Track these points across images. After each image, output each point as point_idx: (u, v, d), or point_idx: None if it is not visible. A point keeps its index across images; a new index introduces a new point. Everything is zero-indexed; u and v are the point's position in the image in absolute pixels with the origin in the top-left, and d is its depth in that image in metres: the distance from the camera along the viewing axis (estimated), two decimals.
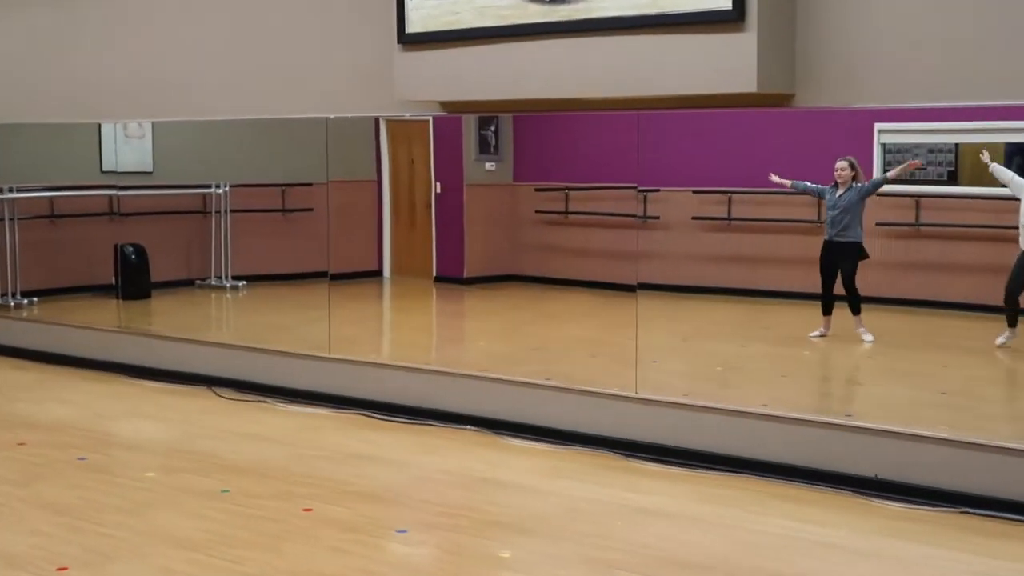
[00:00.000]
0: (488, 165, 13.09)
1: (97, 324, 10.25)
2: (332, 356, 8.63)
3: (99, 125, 11.18)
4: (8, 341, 10.57)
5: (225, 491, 6.38)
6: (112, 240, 11.29)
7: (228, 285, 12.56)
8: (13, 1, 10.22)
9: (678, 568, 5.23)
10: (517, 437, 7.48)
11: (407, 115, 8.53)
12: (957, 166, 10.82)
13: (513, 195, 13.28)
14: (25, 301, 11.33)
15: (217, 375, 9.12)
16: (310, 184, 11.72)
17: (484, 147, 13.05)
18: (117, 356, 9.77)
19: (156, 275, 11.80)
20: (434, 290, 13.07)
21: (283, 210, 12.84)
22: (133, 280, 11.25)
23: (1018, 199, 9.20)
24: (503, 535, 5.75)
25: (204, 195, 12.61)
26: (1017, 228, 9.11)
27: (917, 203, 10.85)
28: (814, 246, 9.91)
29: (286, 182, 12.62)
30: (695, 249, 12.16)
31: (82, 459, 7.06)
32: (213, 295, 12.63)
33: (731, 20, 6.21)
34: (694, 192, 12.11)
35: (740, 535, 5.68)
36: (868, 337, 9.71)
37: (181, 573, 5.14)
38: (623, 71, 6.64)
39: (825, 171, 9.75)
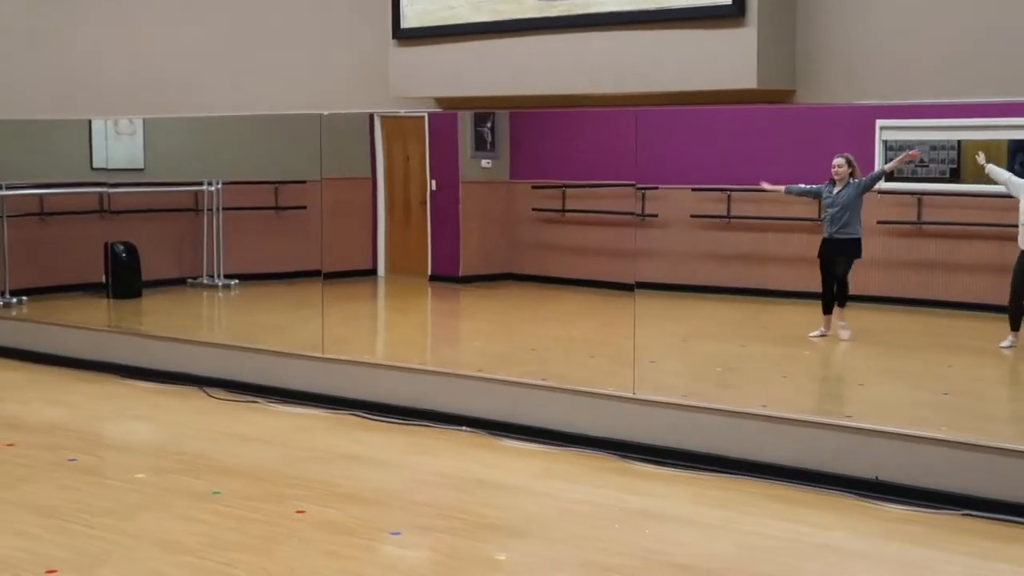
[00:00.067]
0: (484, 162, 13.09)
1: (87, 323, 10.24)
2: (325, 356, 8.63)
3: (89, 121, 11.18)
4: None
5: (216, 493, 6.38)
6: (102, 238, 11.29)
7: (220, 284, 12.56)
8: None
9: (675, 571, 5.23)
10: (513, 438, 7.48)
11: (402, 111, 8.55)
12: (959, 163, 10.83)
13: (509, 193, 13.29)
14: (14, 300, 11.32)
15: (209, 375, 9.12)
16: (304, 181, 11.73)
17: (480, 144, 13.06)
18: (107, 356, 9.76)
19: (147, 274, 11.81)
20: (429, 289, 13.08)
21: (276, 208, 12.85)
22: (124, 279, 11.26)
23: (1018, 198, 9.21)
24: (498, 537, 5.75)
25: (196, 192, 12.62)
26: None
27: (919, 201, 10.87)
28: (814, 244, 9.92)
29: (279, 179, 12.63)
30: (694, 248, 12.18)
31: (72, 460, 7.06)
32: (205, 294, 12.64)
33: (731, 15, 6.22)
34: (693, 190, 12.12)
35: (738, 538, 5.68)
36: (845, 334, 9.75)
37: None
38: (621, 67, 6.65)
39: (826, 169, 9.77)
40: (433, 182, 13.00)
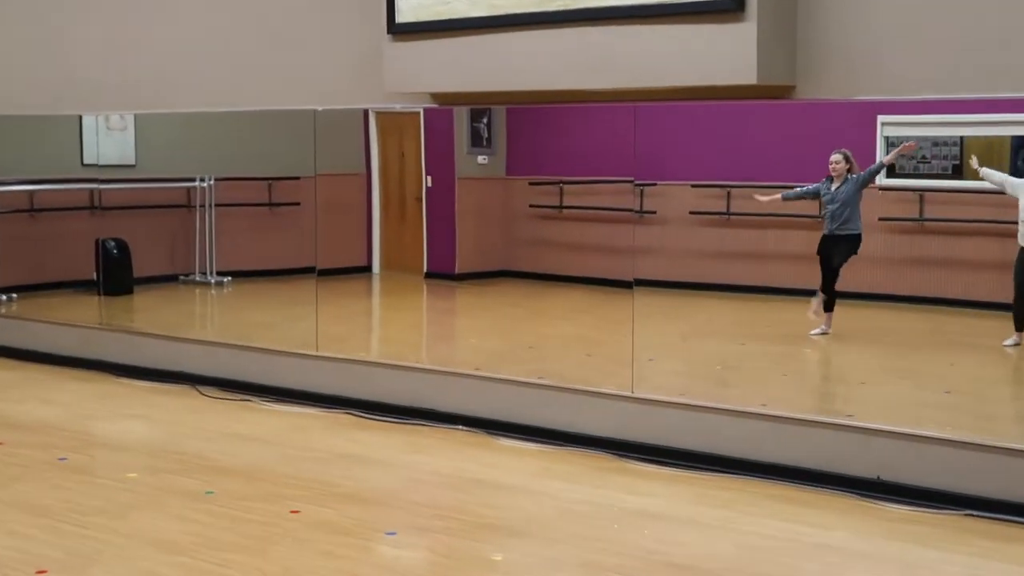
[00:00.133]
0: (480, 158, 13.09)
1: (78, 321, 10.25)
2: (320, 354, 8.64)
3: (80, 117, 11.17)
4: None
5: (210, 492, 6.39)
6: (93, 235, 11.29)
7: (213, 281, 12.55)
8: None
9: (675, 572, 5.25)
10: (510, 437, 7.50)
11: (397, 107, 8.55)
12: (962, 160, 10.83)
13: (506, 189, 13.28)
14: (4, 297, 11.31)
15: (202, 373, 9.12)
16: (297, 178, 11.71)
17: (476, 140, 13.05)
18: (99, 354, 9.77)
19: (139, 271, 11.80)
20: (425, 286, 13.07)
21: (269, 204, 12.84)
22: (115, 276, 11.25)
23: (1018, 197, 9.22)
24: (495, 538, 5.76)
25: (188, 189, 12.61)
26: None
27: (921, 198, 10.87)
28: (816, 241, 9.93)
29: (273, 176, 12.62)
30: (693, 244, 12.17)
31: (63, 459, 7.07)
32: (197, 291, 12.63)
33: (730, 10, 6.23)
34: (692, 186, 12.12)
35: (738, 538, 5.69)
36: (818, 330, 9.79)
37: None
38: (620, 62, 6.66)
39: (827, 165, 9.77)
40: (429, 178, 12.99)
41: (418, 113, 12.84)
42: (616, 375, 7.50)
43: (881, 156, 10.60)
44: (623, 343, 7.55)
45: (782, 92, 6.43)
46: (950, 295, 10.40)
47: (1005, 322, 9.28)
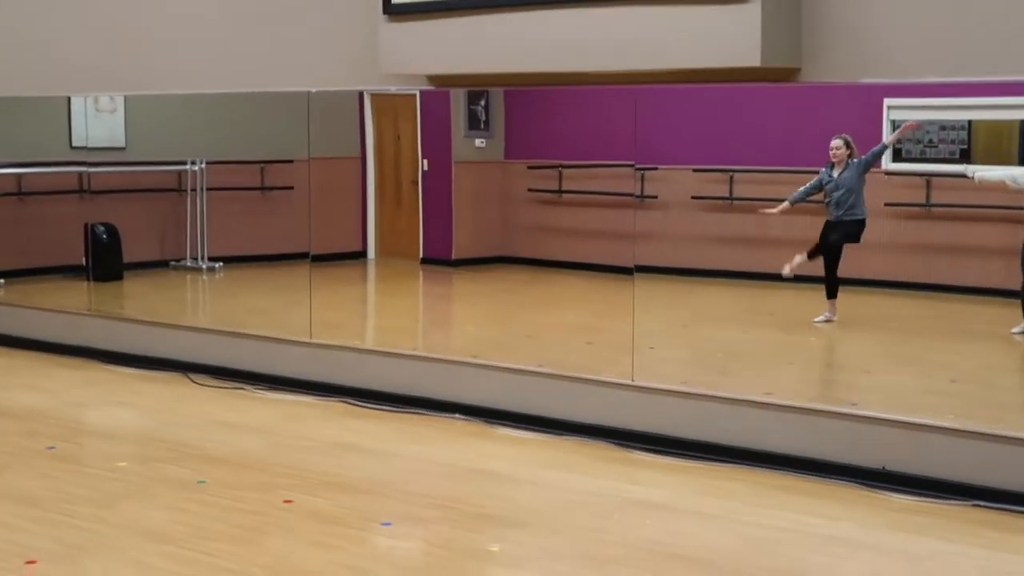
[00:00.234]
0: (478, 142, 13.08)
1: (67, 307, 10.24)
2: (314, 341, 8.64)
3: (68, 98, 11.15)
4: None
5: (202, 482, 6.39)
6: (82, 219, 11.28)
7: (204, 267, 12.55)
8: None
9: (676, 563, 5.25)
10: (508, 426, 7.50)
11: (393, 89, 8.54)
12: (970, 144, 10.84)
13: (504, 173, 13.28)
14: None
15: (193, 361, 9.12)
16: (291, 161, 11.70)
17: (474, 123, 13.04)
18: (88, 340, 9.76)
19: (128, 256, 11.80)
20: (421, 272, 13.08)
21: (262, 188, 12.84)
22: (104, 261, 11.25)
23: None
24: (493, 528, 5.76)
25: (179, 172, 12.60)
26: None
27: (928, 183, 10.88)
28: (819, 226, 9.94)
29: (265, 159, 12.62)
30: (695, 230, 12.18)
31: (51, 448, 7.06)
32: (188, 277, 12.63)
33: None
34: (694, 171, 12.13)
35: (741, 529, 5.70)
36: (822, 317, 9.83)
37: (155, 567, 5.14)
38: (620, 44, 6.64)
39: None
40: (425, 162, 12.99)
41: (414, 95, 12.82)
42: (616, 363, 7.50)
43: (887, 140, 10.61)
44: (623, 330, 7.54)
45: (786, 75, 6.41)
46: (957, 282, 10.43)
47: (1013, 309, 9.29)
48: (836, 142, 9.73)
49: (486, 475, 6.61)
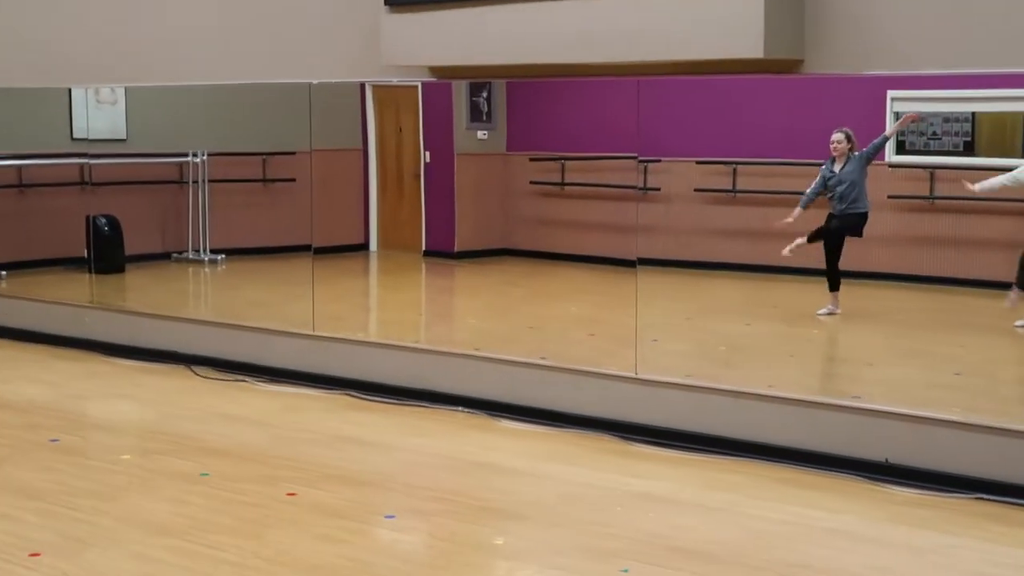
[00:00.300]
0: (480, 134, 13.08)
1: (69, 299, 10.25)
2: (316, 334, 8.65)
3: (69, 90, 11.15)
4: None
5: (204, 475, 6.41)
6: (84, 211, 11.28)
7: (206, 259, 12.55)
8: None
9: (679, 556, 5.26)
10: (511, 419, 7.51)
11: (395, 80, 8.54)
12: (974, 136, 10.82)
13: (506, 165, 13.27)
14: None
15: (195, 353, 9.14)
16: (293, 153, 11.69)
17: (476, 115, 13.04)
18: (90, 333, 9.78)
19: (130, 248, 11.80)
20: (423, 265, 13.08)
21: (264, 180, 12.83)
22: (106, 253, 11.24)
23: None
24: (496, 521, 5.78)
25: (181, 164, 12.60)
26: None
27: (931, 175, 10.86)
28: (823, 219, 9.93)
29: (267, 151, 12.61)
30: (698, 223, 12.17)
31: (54, 441, 7.08)
32: (190, 269, 12.63)
33: None
34: (697, 163, 12.11)
35: (744, 521, 5.71)
36: (825, 310, 9.83)
37: (158, 560, 5.16)
38: (623, 35, 6.65)
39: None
40: (427, 154, 12.98)
41: (416, 87, 12.81)
42: (619, 356, 7.51)
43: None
44: (626, 323, 7.55)
45: (790, 66, 6.42)
46: (961, 275, 10.41)
47: (1018, 303, 9.29)
48: (837, 136, 9.74)
49: (488, 468, 6.63)
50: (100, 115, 11.71)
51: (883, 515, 5.81)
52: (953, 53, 6.00)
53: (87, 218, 11.22)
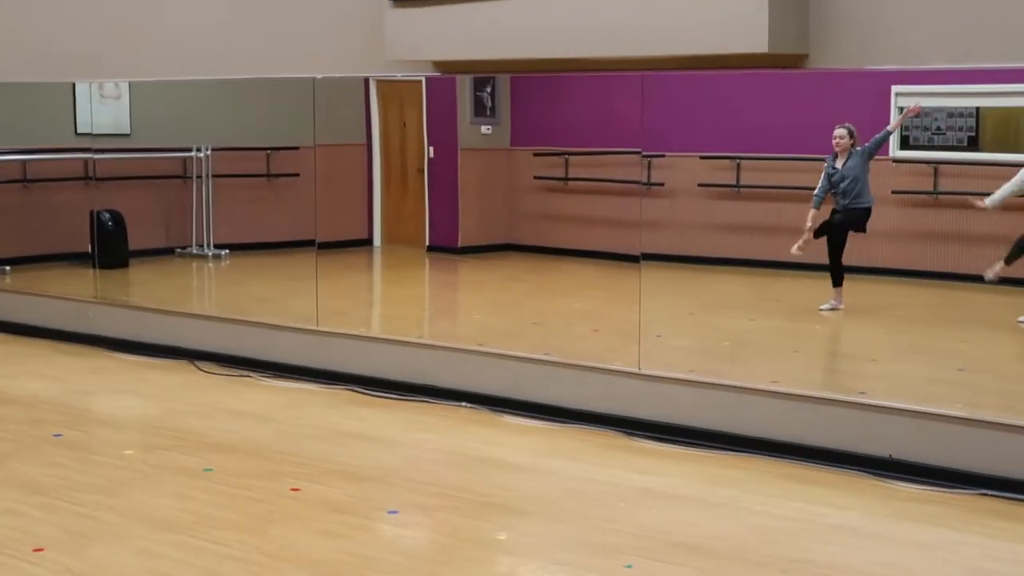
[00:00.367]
0: (484, 128, 13.08)
1: (72, 294, 10.25)
2: (320, 329, 8.65)
3: (73, 85, 11.16)
4: None
5: (208, 470, 6.41)
6: (87, 206, 11.29)
7: (210, 254, 12.56)
8: None
9: (683, 552, 5.26)
10: (515, 415, 7.51)
11: (399, 75, 8.54)
12: (978, 131, 10.82)
13: (510, 160, 13.27)
14: None
15: (199, 348, 9.14)
16: (296, 148, 11.72)
17: (480, 109, 13.04)
18: (93, 328, 9.78)
19: (134, 243, 11.81)
20: (427, 260, 13.08)
21: (268, 175, 12.84)
22: (110, 248, 11.25)
23: None
24: (500, 517, 5.77)
25: (184, 159, 12.61)
26: None
27: (935, 170, 10.86)
28: (826, 215, 9.93)
29: (271, 146, 12.62)
30: (702, 218, 12.17)
31: (58, 436, 7.08)
32: (194, 264, 12.64)
33: None
34: (701, 158, 12.11)
35: (747, 517, 5.71)
36: (828, 305, 9.83)
37: (162, 556, 5.16)
38: (627, 30, 6.63)
39: None
40: (431, 149, 12.99)
41: (420, 81, 12.82)
42: (623, 351, 7.51)
43: None
44: (630, 318, 7.55)
45: (794, 61, 6.41)
46: (964, 270, 10.41)
47: (1020, 298, 9.29)
48: (839, 131, 9.74)
49: (492, 463, 6.62)
50: (104, 110, 11.72)
51: (887, 511, 5.81)
52: (958, 48, 5.99)
53: (91, 213, 11.22)
